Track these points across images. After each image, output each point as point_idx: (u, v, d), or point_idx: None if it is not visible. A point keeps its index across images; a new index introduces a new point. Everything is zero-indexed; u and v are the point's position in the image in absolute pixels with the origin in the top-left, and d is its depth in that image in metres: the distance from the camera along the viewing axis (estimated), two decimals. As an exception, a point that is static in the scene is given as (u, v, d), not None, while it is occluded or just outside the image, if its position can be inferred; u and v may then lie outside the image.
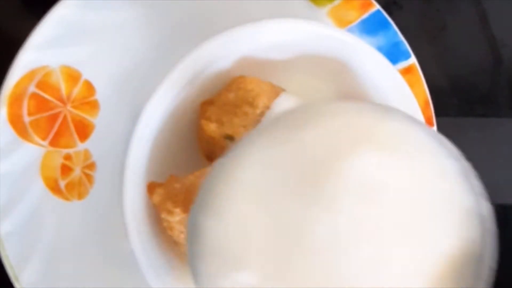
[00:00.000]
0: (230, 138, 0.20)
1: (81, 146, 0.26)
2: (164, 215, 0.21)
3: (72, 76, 0.25)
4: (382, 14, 0.28)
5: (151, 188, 0.21)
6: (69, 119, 0.26)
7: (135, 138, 0.21)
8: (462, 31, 0.35)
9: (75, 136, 0.26)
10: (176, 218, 0.20)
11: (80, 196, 0.26)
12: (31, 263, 0.24)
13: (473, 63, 0.36)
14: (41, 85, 0.25)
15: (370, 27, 0.29)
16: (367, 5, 0.28)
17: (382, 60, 0.24)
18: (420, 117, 0.25)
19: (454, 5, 0.35)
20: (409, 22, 0.35)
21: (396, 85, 0.25)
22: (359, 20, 0.29)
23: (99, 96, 0.26)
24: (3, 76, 0.24)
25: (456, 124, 0.36)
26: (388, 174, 0.15)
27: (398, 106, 0.24)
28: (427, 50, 0.35)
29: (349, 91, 0.24)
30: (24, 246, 0.24)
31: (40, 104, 0.25)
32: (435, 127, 0.30)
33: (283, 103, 0.20)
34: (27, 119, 0.25)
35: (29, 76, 0.24)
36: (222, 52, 0.22)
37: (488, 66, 0.36)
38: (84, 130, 0.26)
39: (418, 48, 0.30)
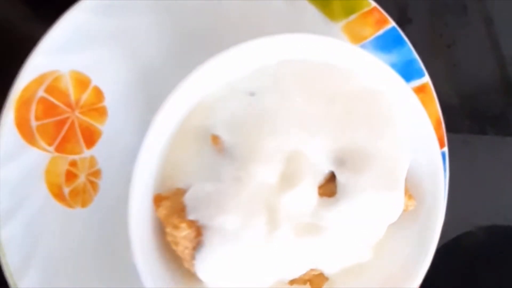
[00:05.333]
0: None
1: (87, 152, 0.25)
2: (169, 229, 0.20)
3: (82, 81, 0.25)
4: (398, 31, 0.28)
5: (157, 200, 0.21)
6: (77, 125, 0.25)
7: (143, 149, 0.21)
8: (470, 48, 0.35)
9: (82, 142, 0.25)
10: (182, 233, 0.20)
11: (84, 203, 0.25)
12: (30, 270, 0.24)
13: (483, 81, 0.36)
14: (50, 89, 0.24)
15: (384, 44, 0.28)
16: (382, 21, 0.28)
17: (396, 78, 0.24)
18: (433, 137, 0.24)
19: (463, 21, 0.35)
20: (417, 37, 0.34)
21: (410, 104, 0.24)
22: (374, 36, 0.28)
23: (107, 102, 0.26)
24: (12, 79, 0.24)
25: (467, 142, 0.35)
26: None
27: (409, 125, 0.24)
28: (436, 67, 0.35)
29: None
30: (24, 253, 0.24)
31: (48, 108, 0.24)
32: (446, 147, 0.29)
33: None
34: (34, 123, 0.24)
35: (39, 80, 0.24)
36: (235, 64, 0.22)
37: (499, 85, 0.36)
38: (91, 137, 0.25)
39: (426, 64, 0.29)
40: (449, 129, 0.29)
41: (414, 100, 0.24)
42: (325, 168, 0.22)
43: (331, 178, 0.22)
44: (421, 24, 0.35)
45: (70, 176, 0.25)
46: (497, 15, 0.35)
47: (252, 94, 0.22)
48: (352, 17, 0.28)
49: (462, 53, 0.35)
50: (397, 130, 0.23)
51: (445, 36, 0.35)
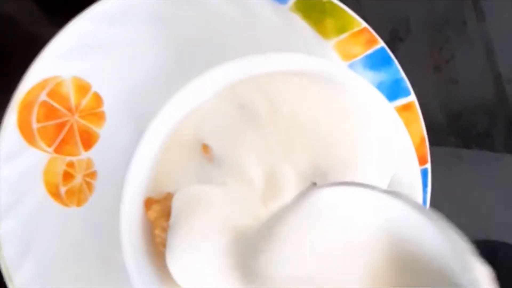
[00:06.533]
0: None
1: (84, 154, 0.27)
2: (158, 231, 0.21)
3: (82, 87, 0.26)
4: (386, 51, 0.29)
5: (148, 204, 0.22)
6: (76, 128, 0.26)
7: (137, 154, 0.22)
8: (468, 64, 0.36)
9: (80, 144, 0.27)
10: (169, 235, 0.21)
11: (79, 203, 0.27)
12: (25, 265, 0.25)
13: (475, 99, 0.37)
14: (52, 94, 0.26)
15: (373, 63, 0.30)
16: (372, 41, 0.29)
17: (379, 97, 0.25)
18: (413, 155, 0.26)
19: (463, 38, 0.36)
20: (416, 50, 0.36)
21: (391, 121, 0.25)
22: (363, 55, 0.29)
23: (106, 108, 0.27)
24: (17, 83, 0.25)
25: (451, 157, 0.36)
26: None
27: (391, 142, 0.25)
28: (431, 82, 0.36)
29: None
30: (20, 247, 0.25)
31: (49, 112, 0.26)
32: (429, 164, 0.30)
33: None
34: (35, 125, 0.25)
35: (42, 84, 0.25)
36: (226, 78, 0.23)
37: (489, 104, 0.37)
38: (88, 140, 0.27)
39: (421, 79, 0.30)
40: (435, 144, 0.31)
41: (396, 118, 0.25)
42: (308, 179, 0.23)
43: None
44: (416, 40, 0.36)
45: (67, 176, 0.26)
46: (495, 34, 0.36)
47: (241, 106, 0.24)
48: (343, 36, 0.29)
49: (458, 71, 0.36)
50: (380, 145, 0.25)
51: (442, 53, 0.36)
